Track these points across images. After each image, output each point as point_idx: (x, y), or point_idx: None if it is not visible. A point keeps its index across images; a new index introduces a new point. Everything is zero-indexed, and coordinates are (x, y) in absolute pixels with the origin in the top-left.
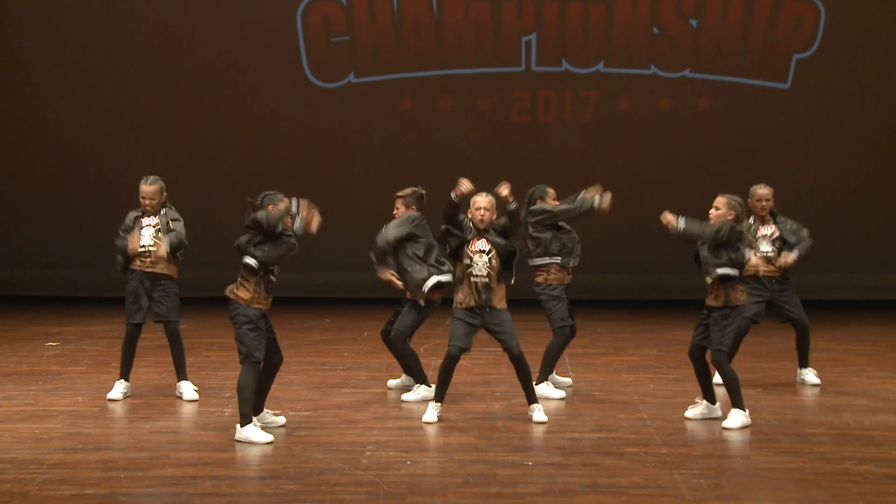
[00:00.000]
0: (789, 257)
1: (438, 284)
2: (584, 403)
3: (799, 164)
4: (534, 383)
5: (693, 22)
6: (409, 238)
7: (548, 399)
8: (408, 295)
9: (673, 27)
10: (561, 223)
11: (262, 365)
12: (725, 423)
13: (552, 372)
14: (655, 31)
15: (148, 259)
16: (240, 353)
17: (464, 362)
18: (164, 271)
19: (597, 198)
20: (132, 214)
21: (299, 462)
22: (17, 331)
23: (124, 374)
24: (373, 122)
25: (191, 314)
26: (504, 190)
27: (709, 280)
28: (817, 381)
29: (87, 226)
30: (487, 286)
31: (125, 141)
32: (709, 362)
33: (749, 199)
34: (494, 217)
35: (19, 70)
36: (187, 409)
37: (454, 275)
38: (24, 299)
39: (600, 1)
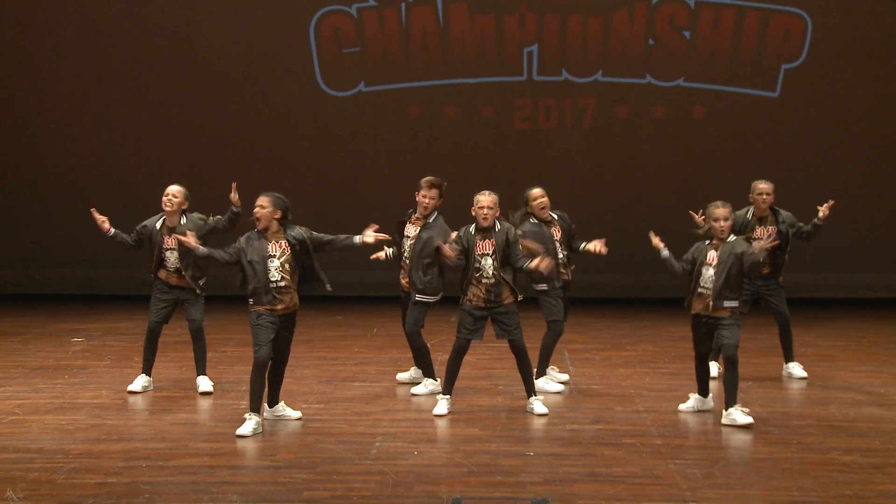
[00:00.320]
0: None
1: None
2: (583, 396)
3: (787, 168)
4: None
5: (687, 34)
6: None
7: (546, 393)
8: (405, 287)
9: (668, 39)
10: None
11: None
12: (739, 422)
13: (549, 365)
14: (651, 42)
15: (174, 277)
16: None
17: (468, 358)
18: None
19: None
20: (154, 222)
21: (312, 452)
22: (45, 327)
23: (146, 370)
24: (382, 128)
25: (208, 311)
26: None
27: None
28: (804, 373)
29: None
30: (496, 286)
31: (144, 147)
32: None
33: (750, 194)
34: (497, 214)
35: (48, 80)
36: (205, 402)
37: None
38: (51, 297)
39: (599, 14)
